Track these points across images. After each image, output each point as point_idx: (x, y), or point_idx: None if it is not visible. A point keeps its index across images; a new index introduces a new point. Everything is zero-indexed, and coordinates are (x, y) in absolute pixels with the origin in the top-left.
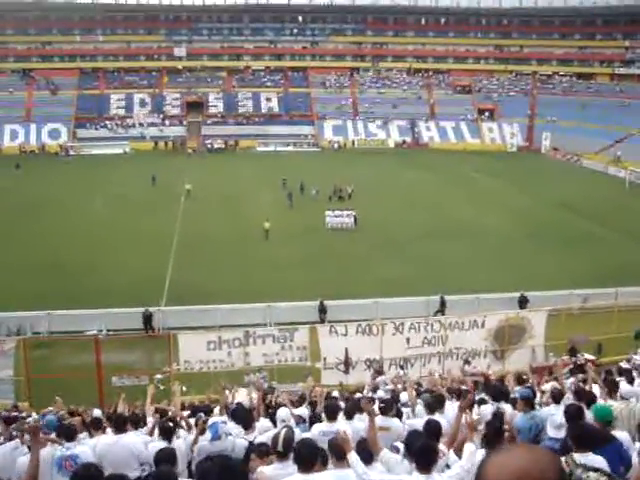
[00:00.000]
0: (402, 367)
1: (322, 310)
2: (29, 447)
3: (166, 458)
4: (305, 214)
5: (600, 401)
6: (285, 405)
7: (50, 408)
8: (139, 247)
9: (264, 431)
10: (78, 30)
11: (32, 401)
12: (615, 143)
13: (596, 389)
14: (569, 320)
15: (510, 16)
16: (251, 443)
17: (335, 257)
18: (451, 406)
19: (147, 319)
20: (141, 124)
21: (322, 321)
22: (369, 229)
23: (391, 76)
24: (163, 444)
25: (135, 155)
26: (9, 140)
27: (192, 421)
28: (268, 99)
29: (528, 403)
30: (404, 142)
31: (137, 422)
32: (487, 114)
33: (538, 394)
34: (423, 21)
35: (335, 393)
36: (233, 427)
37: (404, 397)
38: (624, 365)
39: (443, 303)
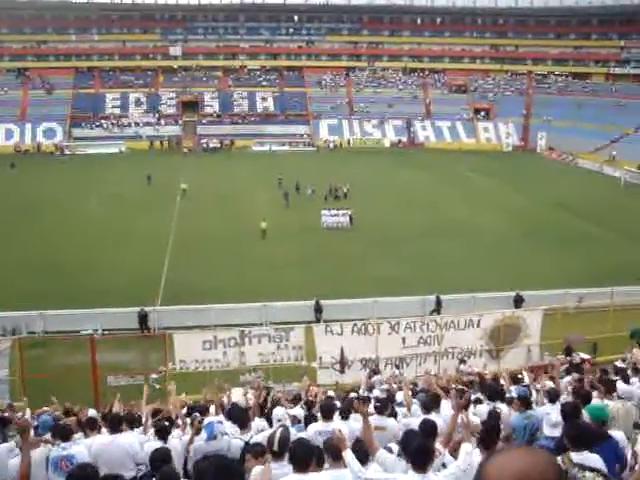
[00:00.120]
0: (398, 366)
1: (318, 309)
2: (20, 448)
3: (161, 458)
4: (301, 213)
5: (596, 401)
6: (281, 404)
7: (45, 408)
8: (135, 247)
9: (259, 431)
10: (73, 29)
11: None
12: (610, 143)
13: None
14: (565, 319)
15: (506, 16)
16: (247, 443)
17: (331, 256)
18: (447, 405)
19: (143, 319)
20: (136, 123)
21: (318, 320)
22: (365, 228)
23: (387, 76)
24: (159, 444)
25: (131, 154)
26: (4, 139)
27: (188, 421)
28: (264, 98)
29: (524, 403)
30: (400, 141)
31: (132, 422)
32: (483, 114)
33: (534, 393)
34: (419, 21)
35: (330, 393)
36: (229, 427)
37: (400, 397)
38: (619, 364)
39: (439, 302)
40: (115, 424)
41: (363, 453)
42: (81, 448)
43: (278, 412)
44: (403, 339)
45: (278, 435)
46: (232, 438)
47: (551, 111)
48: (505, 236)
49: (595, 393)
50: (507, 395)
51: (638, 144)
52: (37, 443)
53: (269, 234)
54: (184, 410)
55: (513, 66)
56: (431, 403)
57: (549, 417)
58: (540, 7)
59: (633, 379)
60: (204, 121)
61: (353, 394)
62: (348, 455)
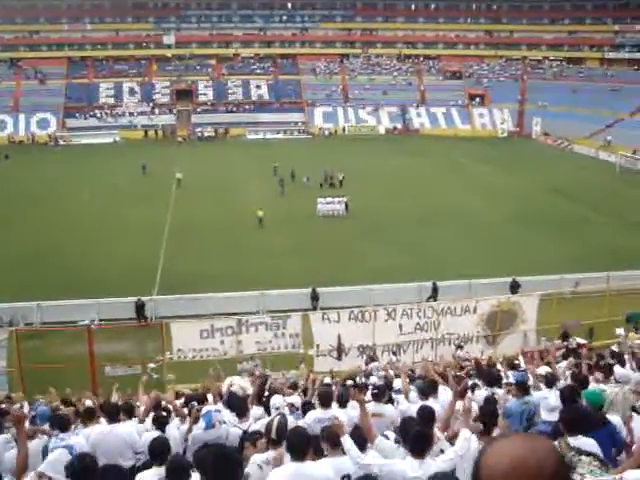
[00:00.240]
0: (395, 353)
1: (314, 297)
2: (16, 440)
3: (160, 447)
4: (296, 201)
5: (594, 385)
6: (279, 392)
7: (40, 397)
8: (131, 237)
9: (257, 419)
10: (66, 19)
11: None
12: (605, 128)
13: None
14: (561, 304)
15: (500, 1)
16: (245, 432)
17: (327, 244)
18: (444, 391)
19: (139, 308)
20: (131, 113)
21: (314, 308)
22: (361, 216)
23: (381, 62)
24: (157, 433)
25: (125, 144)
26: None
27: (185, 411)
28: (258, 86)
29: (522, 388)
30: (395, 128)
31: (130, 411)
32: (478, 100)
33: (531, 378)
34: (413, 7)
35: (327, 379)
36: (227, 415)
37: (397, 383)
38: (615, 349)
39: (435, 289)
40: (113, 414)
41: (361, 440)
42: (80, 438)
43: (276, 400)
44: (400, 326)
45: (276, 423)
46: (230, 426)
47: (546, 96)
48: (501, 222)
49: (592, 378)
50: (504, 380)
51: (633, 129)
52: (33, 434)
53: (265, 222)
54: (181, 400)
55: (508, 51)
56: (428, 389)
57: (547, 401)
58: None
59: (629, 364)
60: (198, 110)
61: (350, 381)
62: (347, 441)
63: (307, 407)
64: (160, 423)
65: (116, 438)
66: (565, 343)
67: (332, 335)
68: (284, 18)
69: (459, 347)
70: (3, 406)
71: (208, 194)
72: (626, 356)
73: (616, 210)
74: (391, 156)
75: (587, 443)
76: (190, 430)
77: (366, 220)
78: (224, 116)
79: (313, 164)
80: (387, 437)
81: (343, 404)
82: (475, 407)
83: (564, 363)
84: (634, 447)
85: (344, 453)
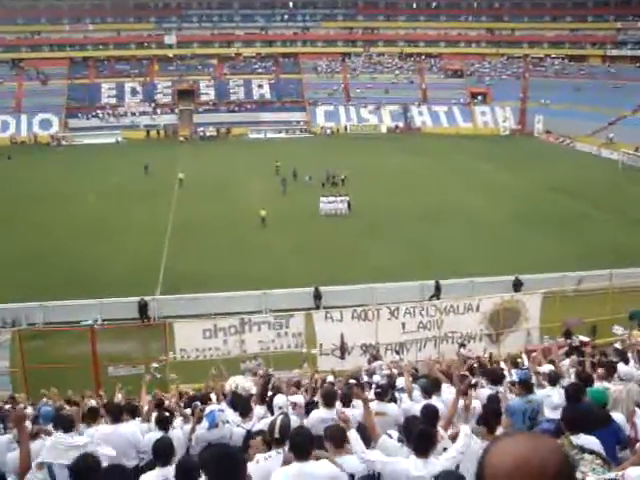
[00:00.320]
0: (398, 352)
1: (317, 296)
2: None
3: (164, 448)
4: (299, 200)
5: (598, 383)
6: (282, 392)
7: (44, 400)
8: (133, 236)
9: (260, 418)
10: (67, 19)
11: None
12: (608, 125)
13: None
14: (564, 302)
15: None
16: (249, 432)
17: (329, 243)
18: (448, 389)
19: (142, 308)
20: (133, 113)
21: (317, 307)
22: (363, 214)
23: (383, 61)
24: (160, 434)
25: (127, 144)
26: (0, 131)
27: (188, 411)
28: (260, 86)
29: (525, 386)
30: (397, 127)
31: (133, 411)
32: (479, 98)
33: (533, 376)
34: (414, 5)
35: (330, 378)
36: (231, 415)
37: (400, 382)
38: (618, 346)
39: (438, 287)
40: (116, 414)
41: (365, 439)
42: (83, 438)
43: (279, 400)
44: (403, 324)
45: (279, 422)
46: (234, 426)
47: (548, 94)
48: (504, 220)
49: (596, 376)
50: (508, 379)
51: (636, 126)
52: (36, 434)
53: (268, 222)
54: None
55: (509, 49)
56: (432, 388)
57: (550, 399)
58: None
59: (632, 361)
60: (200, 109)
61: (352, 380)
62: (352, 435)
63: (311, 407)
64: (163, 423)
65: (119, 438)
66: (568, 341)
67: (335, 334)
68: (285, 17)
69: (462, 345)
70: (6, 407)
71: (210, 194)
72: (629, 354)
73: (619, 207)
74: (393, 155)
75: (590, 441)
76: (193, 430)
77: (368, 219)
78: (226, 116)
79: (315, 163)
80: (390, 436)
81: (347, 403)
82: (479, 405)
83: (567, 361)
84: (638, 445)
85: (347, 453)
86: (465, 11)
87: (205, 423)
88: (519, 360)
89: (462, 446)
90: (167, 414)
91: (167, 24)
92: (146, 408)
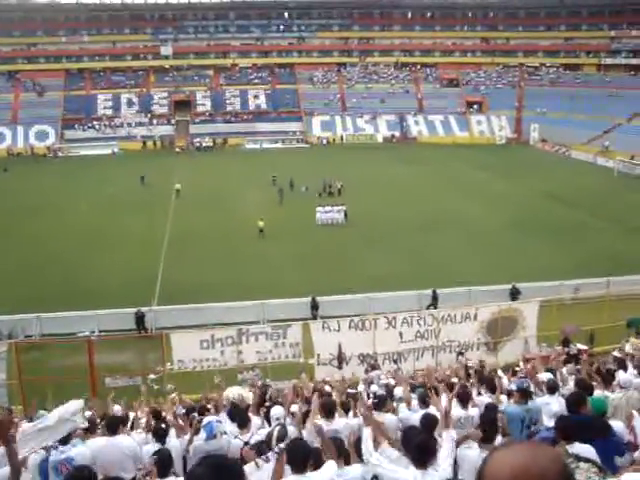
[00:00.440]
0: (396, 361)
1: (314, 306)
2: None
3: (162, 459)
4: (295, 210)
5: (597, 392)
6: (279, 403)
7: (42, 412)
8: (130, 247)
9: (257, 429)
10: (63, 31)
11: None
12: (603, 133)
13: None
14: (561, 310)
15: (496, 8)
16: (246, 443)
17: (326, 253)
18: (446, 398)
19: (139, 319)
20: (129, 124)
21: (314, 317)
22: (360, 224)
23: (378, 71)
24: (157, 445)
25: (124, 155)
26: None
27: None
28: (256, 96)
29: (524, 395)
30: (393, 136)
31: (125, 423)
32: (475, 107)
33: (531, 385)
34: (409, 15)
35: (327, 388)
36: (229, 425)
37: (398, 392)
38: (617, 354)
39: (435, 297)
40: (112, 426)
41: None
42: (80, 449)
43: (276, 411)
44: (400, 334)
45: (276, 434)
46: (232, 437)
47: (543, 103)
48: (500, 228)
49: (595, 384)
50: (505, 387)
51: (631, 134)
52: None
53: (265, 232)
54: (183, 411)
55: (504, 58)
56: (429, 397)
57: (549, 407)
58: None
59: (631, 369)
60: (196, 120)
61: (349, 390)
62: (366, 433)
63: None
64: (160, 435)
65: (117, 450)
66: (566, 349)
67: (333, 344)
68: (281, 28)
69: (460, 354)
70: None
71: (207, 204)
72: (628, 361)
73: (615, 215)
74: (389, 164)
75: (585, 450)
76: (191, 441)
77: (365, 228)
78: (222, 126)
79: (311, 173)
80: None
81: (346, 413)
82: (477, 414)
83: (564, 369)
84: (637, 453)
85: (346, 464)
86: (460, 21)
87: (203, 434)
88: (517, 368)
89: (449, 452)
90: (164, 425)
91: (163, 35)
92: (144, 419)
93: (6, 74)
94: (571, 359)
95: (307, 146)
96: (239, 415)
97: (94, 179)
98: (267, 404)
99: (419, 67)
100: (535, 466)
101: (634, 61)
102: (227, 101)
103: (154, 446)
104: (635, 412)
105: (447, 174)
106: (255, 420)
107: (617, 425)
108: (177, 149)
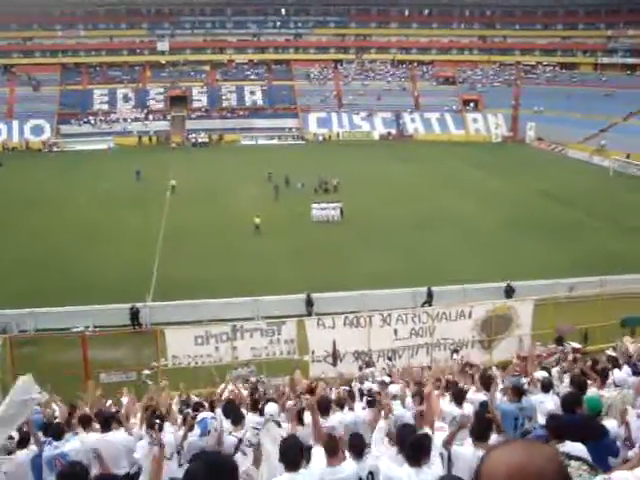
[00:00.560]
0: (390, 359)
1: (309, 303)
2: None
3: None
4: (291, 207)
5: (592, 390)
6: (274, 400)
7: (37, 408)
8: (125, 243)
9: (252, 427)
10: (59, 25)
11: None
12: (599, 132)
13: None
14: (555, 309)
15: (493, 7)
16: (240, 440)
17: (321, 249)
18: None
19: (134, 315)
20: (125, 119)
21: (309, 314)
22: (355, 221)
23: (375, 68)
24: (150, 441)
25: (119, 150)
26: None
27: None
28: (252, 92)
29: (517, 392)
30: (389, 134)
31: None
32: (471, 105)
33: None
34: (406, 12)
35: (322, 385)
36: (223, 422)
37: (393, 389)
38: (610, 353)
39: (430, 294)
40: (106, 422)
41: (359, 447)
42: (74, 444)
43: (270, 408)
44: (395, 331)
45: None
46: (226, 434)
47: (540, 101)
48: (495, 227)
49: (590, 382)
50: (501, 385)
51: (627, 133)
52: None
53: (261, 228)
54: (177, 406)
55: (501, 57)
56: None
57: (544, 406)
58: None
59: (625, 367)
60: (193, 116)
61: (343, 387)
62: (380, 425)
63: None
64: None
65: (110, 446)
66: (560, 348)
67: (327, 341)
68: (278, 24)
69: (455, 351)
70: None
71: (202, 200)
72: (621, 360)
73: (610, 214)
74: (385, 161)
75: (576, 448)
76: (185, 437)
77: (361, 225)
78: (218, 122)
79: (307, 170)
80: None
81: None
82: (471, 410)
83: (557, 367)
84: (631, 452)
85: (341, 462)
86: (457, 18)
87: (197, 430)
88: (511, 366)
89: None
90: (158, 421)
91: (160, 30)
92: (139, 415)
93: (2, 68)
94: (564, 357)
95: (303, 143)
96: (233, 412)
97: (89, 174)
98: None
99: (416, 64)
100: (531, 465)
101: (630, 60)
102: (223, 97)
103: (147, 442)
104: (629, 407)
105: (443, 172)
106: (251, 417)
107: (611, 423)
108: (173, 145)
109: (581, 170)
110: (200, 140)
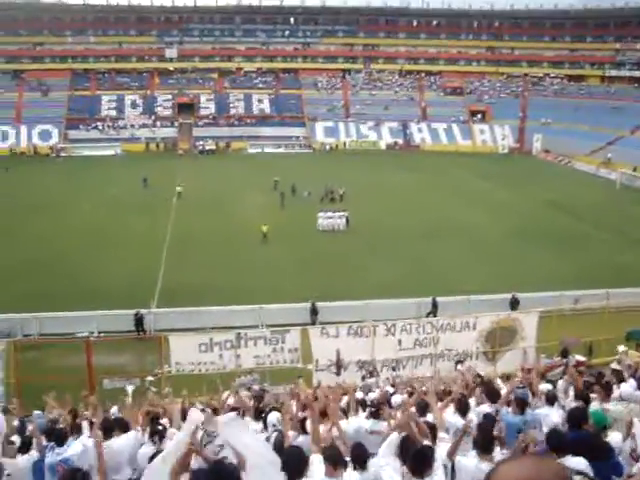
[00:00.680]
0: (394, 369)
1: (314, 312)
2: None
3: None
4: (297, 216)
5: (596, 404)
6: (277, 409)
7: (36, 412)
8: (131, 249)
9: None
10: (69, 31)
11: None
12: (606, 145)
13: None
14: (560, 321)
15: (501, 18)
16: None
17: (327, 258)
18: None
19: (138, 321)
20: (132, 125)
21: (313, 323)
22: (361, 230)
23: (383, 78)
24: (153, 448)
25: (126, 157)
26: None
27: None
28: (260, 100)
29: (521, 405)
30: (396, 144)
31: (126, 426)
32: (479, 116)
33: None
34: (415, 23)
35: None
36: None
37: (397, 399)
38: (615, 366)
39: (435, 305)
40: (108, 428)
41: (362, 456)
42: (76, 448)
43: (273, 417)
44: (399, 341)
45: (273, 440)
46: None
47: (547, 113)
48: (501, 238)
49: (594, 396)
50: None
51: (634, 146)
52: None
53: (268, 237)
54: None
55: (509, 68)
56: (426, 405)
57: (549, 419)
58: (535, 9)
59: (630, 381)
60: (200, 123)
61: (346, 397)
62: (393, 436)
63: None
64: (157, 437)
65: (112, 451)
66: (564, 360)
67: (331, 350)
68: (286, 33)
69: (459, 362)
70: None
71: (208, 207)
72: (626, 374)
73: (616, 227)
74: (392, 171)
75: (578, 462)
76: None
77: (366, 235)
78: (225, 130)
79: (314, 179)
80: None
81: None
82: (475, 421)
83: (561, 381)
84: (635, 468)
85: (342, 474)
86: (465, 29)
87: None
88: (516, 379)
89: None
90: (160, 428)
91: (168, 38)
92: (141, 421)
93: (11, 73)
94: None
95: (310, 151)
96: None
97: (97, 180)
98: (265, 410)
99: (423, 75)
100: (539, 479)
101: (638, 73)
102: (231, 105)
103: (150, 448)
104: (635, 419)
105: (449, 182)
106: (254, 425)
107: (615, 437)
108: (180, 152)
109: (588, 182)
110: (207, 147)
